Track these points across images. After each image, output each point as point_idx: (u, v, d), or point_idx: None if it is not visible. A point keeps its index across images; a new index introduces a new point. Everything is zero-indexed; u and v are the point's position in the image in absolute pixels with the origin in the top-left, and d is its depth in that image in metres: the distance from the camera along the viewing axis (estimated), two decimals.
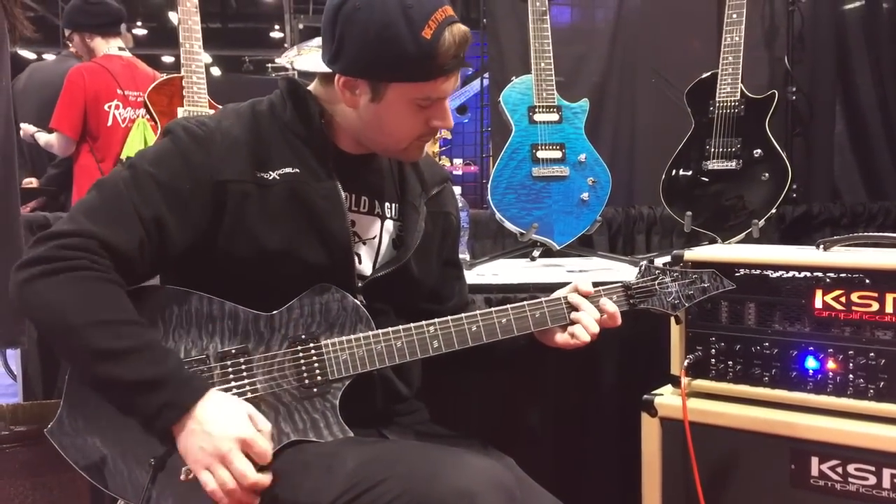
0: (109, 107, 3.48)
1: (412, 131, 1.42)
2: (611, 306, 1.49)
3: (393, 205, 1.54)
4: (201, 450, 1.24)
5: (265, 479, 1.26)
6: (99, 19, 3.60)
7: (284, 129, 1.43)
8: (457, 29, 1.33)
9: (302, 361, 1.37)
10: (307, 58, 1.51)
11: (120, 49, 3.62)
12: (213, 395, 1.28)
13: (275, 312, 1.38)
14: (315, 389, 1.37)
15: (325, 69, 1.40)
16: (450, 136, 5.58)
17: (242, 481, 1.23)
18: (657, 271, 1.54)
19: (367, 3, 1.31)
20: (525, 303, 1.46)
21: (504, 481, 1.26)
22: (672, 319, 1.76)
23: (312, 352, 1.38)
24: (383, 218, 1.52)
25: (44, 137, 3.60)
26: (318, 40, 1.65)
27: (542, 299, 1.47)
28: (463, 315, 1.42)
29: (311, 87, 1.48)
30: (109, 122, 3.48)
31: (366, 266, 1.49)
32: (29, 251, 1.29)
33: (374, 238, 1.51)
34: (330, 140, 1.45)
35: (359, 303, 1.41)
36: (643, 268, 1.56)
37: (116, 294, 1.28)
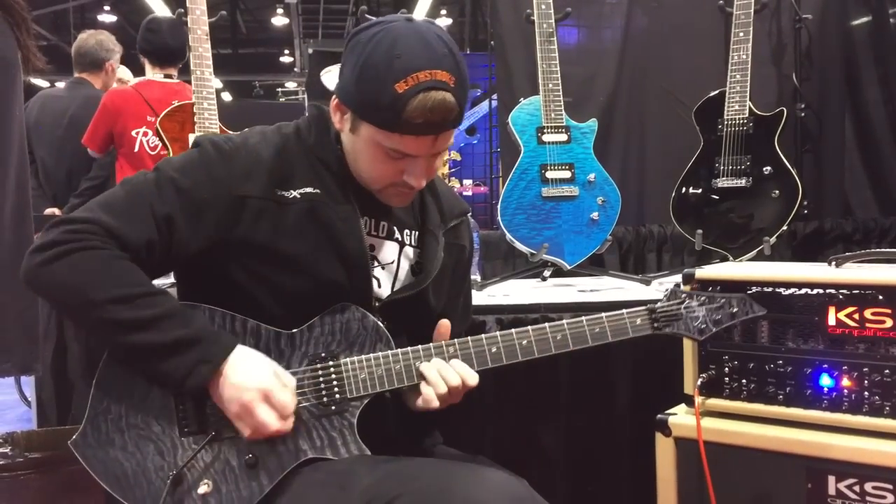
0: (137, 133, 3.45)
1: (383, 176, 1.41)
2: (458, 369, 1.39)
3: (413, 232, 1.55)
4: (229, 401, 1.32)
5: (286, 426, 1.33)
6: (152, 46, 3.55)
7: (308, 152, 1.46)
8: (435, 95, 1.29)
9: (321, 379, 1.39)
10: (333, 76, 1.54)
11: (167, 76, 3.55)
12: (240, 349, 1.34)
13: (295, 330, 1.40)
14: (333, 407, 1.38)
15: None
16: (459, 158, 5.61)
17: (263, 430, 1.31)
18: (683, 295, 1.48)
19: (368, 39, 1.33)
20: (547, 324, 1.43)
21: (519, 494, 1.26)
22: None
23: (332, 370, 1.39)
24: (402, 244, 1.54)
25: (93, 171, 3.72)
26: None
27: (542, 326, 1.43)
28: (483, 336, 1.43)
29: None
30: (136, 149, 3.45)
31: (384, 290, 1.50)
32: (42, 236, 1.33)
33: (392, 263, 1.52)
34: (348, 166, 1.46)
35: (379, 322, 1.42)
36: (669, 291, 1.50)
37: (131, 268, 1.33)
